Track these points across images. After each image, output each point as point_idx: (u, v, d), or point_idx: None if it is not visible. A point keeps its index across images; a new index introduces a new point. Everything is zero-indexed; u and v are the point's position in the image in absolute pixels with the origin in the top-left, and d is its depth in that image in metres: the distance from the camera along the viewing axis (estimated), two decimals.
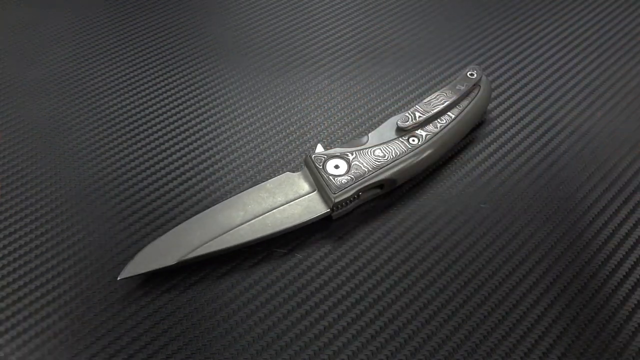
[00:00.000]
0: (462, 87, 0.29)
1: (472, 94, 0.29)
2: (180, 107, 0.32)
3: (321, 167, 0.26)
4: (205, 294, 0.24)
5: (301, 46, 0.36)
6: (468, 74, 0.30)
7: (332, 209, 0.25)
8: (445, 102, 0.28)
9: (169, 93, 0.33)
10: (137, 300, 0.24)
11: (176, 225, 0.25)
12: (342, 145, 0.28)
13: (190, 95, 0.33)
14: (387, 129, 0.28)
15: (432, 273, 0.25)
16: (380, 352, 0.22)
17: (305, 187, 0.26)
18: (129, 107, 0.32)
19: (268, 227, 0.24)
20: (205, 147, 0.30)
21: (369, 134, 0.28)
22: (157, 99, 0.32)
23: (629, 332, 0.23)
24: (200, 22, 0.38)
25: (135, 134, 0.30)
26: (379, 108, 0.32)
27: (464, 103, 0.29)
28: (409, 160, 0.26)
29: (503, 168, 0.29)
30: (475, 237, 0.26)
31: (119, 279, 0.23)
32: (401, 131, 0.27)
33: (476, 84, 0.30)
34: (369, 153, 0.26)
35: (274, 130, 0.31)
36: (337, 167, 0.26)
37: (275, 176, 0.27)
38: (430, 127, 0.28)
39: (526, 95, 0.33)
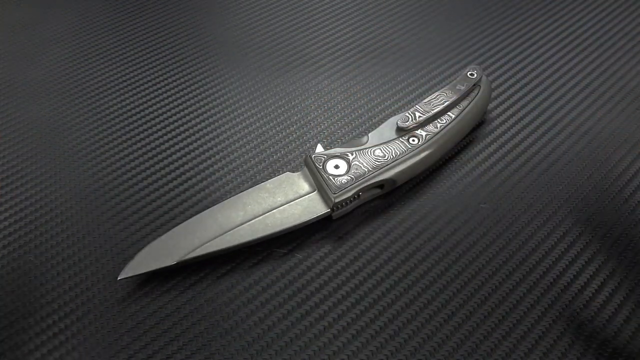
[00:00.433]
0: (462, 87, 0.29)
1: (472, 94, 0.29)
2: (180, 107, 0.32)
3: (321, 167, 0.26)
4: (205, 294, 0.24)
5: (301, 46, 0.36)
6: (468, 74, 0.30)
7: (332, 209, 0.25)
8: (445, 102, 0.28)
9: (169, 93, 0.33)
10: (137, 300, 0.24)
11: (176, 225, 0.25)
12: (342, 145, 0.28)
13: (190, 95, 0.33)
14: (387, 129, 0.28)
15: (432, 273, 0.25)
16: (380, 352, 0.22)
17: (305, 187, 0.26)
18: (128, 107, 0.32)
19: (268, 227, 0.24)
20: (205, 147, 0.30)
21: (369, 134, 0.28)
22: (157, 99, 0.32)
23: (629, 332, 0.23)
24: (200, 21, 0.38)
25: (135, 134, 0.30)
26: (379, 108, 0.32)
27: (464, 103, 0.29)
28: (409, 160, 0.26)
29: (503, 168, 0.29)
30: (475, 237, 0.26)
31: (119, 279, 0.23)
32: (401, 131, 0.27)
33: (476, 84, 0.30)
34: (369, 153, 0.26)
35: (274, 130, 0.31)
36: (337, 167, 0.26)
37: (275, 176, 0.27)
38: (430, 127, 0.28)
39: (526, 95, 0.33)
